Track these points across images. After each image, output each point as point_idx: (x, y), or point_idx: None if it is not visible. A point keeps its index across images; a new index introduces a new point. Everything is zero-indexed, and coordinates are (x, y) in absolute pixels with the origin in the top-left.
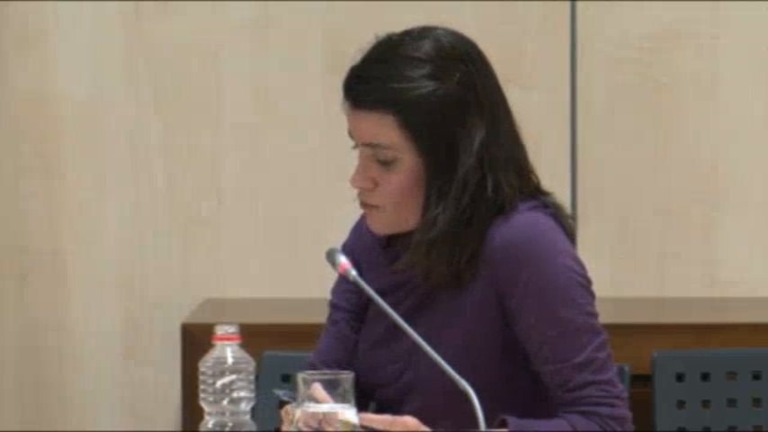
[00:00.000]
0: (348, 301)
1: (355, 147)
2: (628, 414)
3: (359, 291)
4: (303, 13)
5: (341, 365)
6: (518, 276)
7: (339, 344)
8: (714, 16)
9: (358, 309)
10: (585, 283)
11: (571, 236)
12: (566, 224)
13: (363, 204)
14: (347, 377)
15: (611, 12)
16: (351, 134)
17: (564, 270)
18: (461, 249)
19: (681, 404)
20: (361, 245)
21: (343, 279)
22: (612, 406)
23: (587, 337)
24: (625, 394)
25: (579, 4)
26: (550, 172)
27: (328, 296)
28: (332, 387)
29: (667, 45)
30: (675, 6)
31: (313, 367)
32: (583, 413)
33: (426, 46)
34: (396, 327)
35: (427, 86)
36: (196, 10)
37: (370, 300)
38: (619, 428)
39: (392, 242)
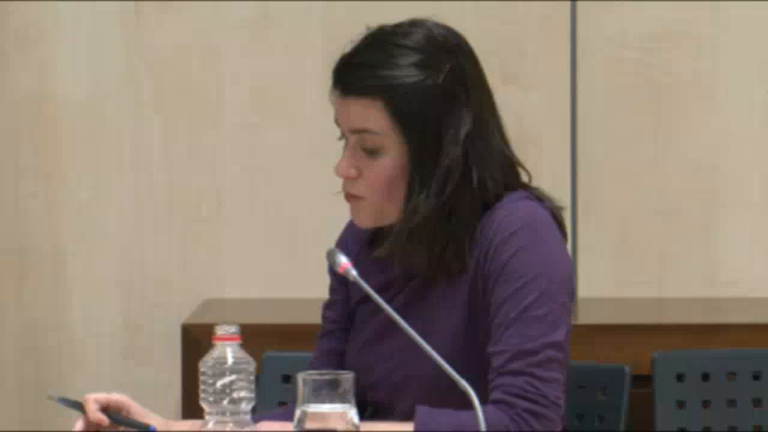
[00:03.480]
0: (336, 311)
1: (341, 138)
2: (555, 419)
3: (345, 299)
4: (303, 12)
5: None
6: (506, 250)
7: (325, 358)
8: (714, 16)
9: (344, 318)
10: (567, 284)
11: (563, 228)
12: (559, 216)
13: (347, 195)
14: (347, 377)
15: (611, 12)
16: (338, 122)
17: (551, 261)
18: (444, 240)
19: (681, 404)
20: (353, 241)
21: (331, 290)
22: (536, 402)
23: (543, 329)
24: (561, 402)
25: (579, 4)
26: (550, 172)
27: (328, 296)
28: (332, 387)
29: (667, 45)
30: (675, 6)
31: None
32: (495, 401)
33: (417, 35)
34: (387, 325)
35: (417, 75)
36: (196, 10)
37: (358, 304)
38: (536, 425)
39: (377, 239)
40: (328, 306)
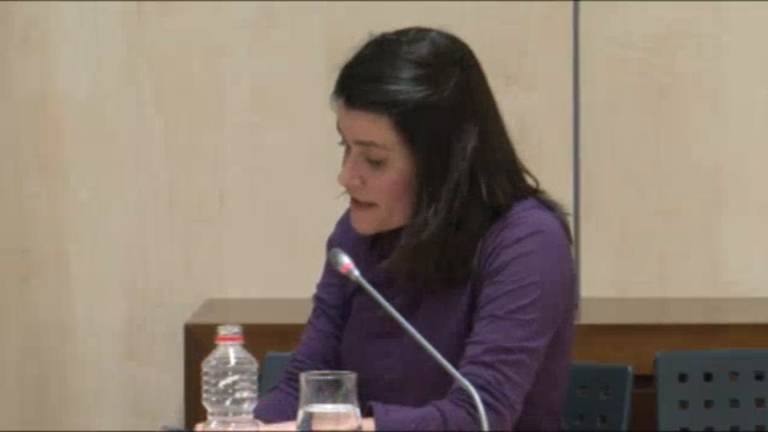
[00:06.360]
0: (331, 294)
1: (342, 142)
2: (508, 421)
3: (342, 285)
4: (305, 12)
5: (324, 359)
6: (508, 253)
7: (321, 338)
8: (716, 16)
9: (340, 303)
10: (563, 297)
11: (569, 235)
12: (566, 223)
13: (355, 202)
14: (350, 377)
15: (613, 12)
16: (340, 130)
17: (551, 272)
18: (451, 253)
19: (683, 404)
20: (348, 239)
21: (327, 273)
22: (495, 399)
23: (525, 334)
24: (517, 408)
25: (582, 4)
26: (552, 172)
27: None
28: (335, 387)
29: (669, 45)
30: (678, 7)
31: (296, 361)
32: (455, 391)
33: (423, 49)
34: (387, 320)
35: (424, 90)
36: (198, 10)
37: (354, 295)
38: (492, 419)
39: (379, 238)
40: (324, 287)
